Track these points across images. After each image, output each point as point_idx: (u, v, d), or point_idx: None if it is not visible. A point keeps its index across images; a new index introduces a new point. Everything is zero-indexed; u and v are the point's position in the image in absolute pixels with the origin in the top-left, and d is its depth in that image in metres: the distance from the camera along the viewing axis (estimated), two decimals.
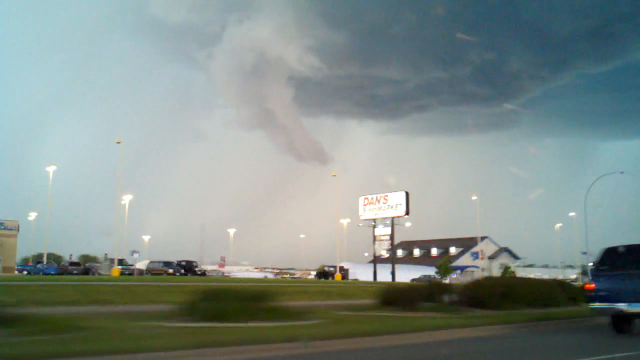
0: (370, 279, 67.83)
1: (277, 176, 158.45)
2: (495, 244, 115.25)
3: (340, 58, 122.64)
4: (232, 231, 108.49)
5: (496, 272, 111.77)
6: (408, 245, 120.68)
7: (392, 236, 72.19)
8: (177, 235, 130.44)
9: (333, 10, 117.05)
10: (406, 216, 71.33)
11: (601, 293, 15.92)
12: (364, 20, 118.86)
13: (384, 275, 67.94)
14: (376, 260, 77.78)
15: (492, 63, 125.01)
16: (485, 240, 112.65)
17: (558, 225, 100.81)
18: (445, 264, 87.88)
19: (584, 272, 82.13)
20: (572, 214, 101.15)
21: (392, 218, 71.54)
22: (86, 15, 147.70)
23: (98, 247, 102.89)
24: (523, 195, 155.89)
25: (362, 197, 75.67)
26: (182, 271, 58.64)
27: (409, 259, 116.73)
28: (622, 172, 42.22)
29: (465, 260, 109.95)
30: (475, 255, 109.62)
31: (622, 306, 15.43)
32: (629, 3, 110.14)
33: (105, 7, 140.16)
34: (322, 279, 67.62)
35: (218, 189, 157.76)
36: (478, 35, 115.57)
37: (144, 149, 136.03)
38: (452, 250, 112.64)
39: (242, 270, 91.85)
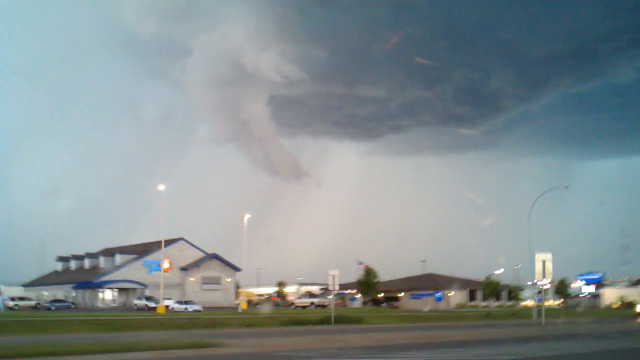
0: None
1: None
2: (198, 249, 78.98)
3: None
4: None
5: (196, 289, 75.41)
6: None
7: None
8: None
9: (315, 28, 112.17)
10: None
11: None
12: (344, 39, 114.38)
13: None
14: None
15: (474, 83, 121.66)
16: (180, 243, 76.52)
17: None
18: None
19: None
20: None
21: None
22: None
23: None
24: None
25: None
26: None
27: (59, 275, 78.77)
28: None
29: (132, 272, 72.62)
30: (155, 266, 72.54)
31: None
32: (609, 23, 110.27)
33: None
34: None
35: None
36: (458, 56, 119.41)
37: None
38: (118, 259, 75.09)
39: None
